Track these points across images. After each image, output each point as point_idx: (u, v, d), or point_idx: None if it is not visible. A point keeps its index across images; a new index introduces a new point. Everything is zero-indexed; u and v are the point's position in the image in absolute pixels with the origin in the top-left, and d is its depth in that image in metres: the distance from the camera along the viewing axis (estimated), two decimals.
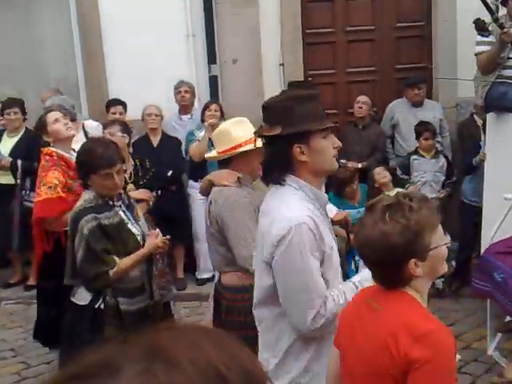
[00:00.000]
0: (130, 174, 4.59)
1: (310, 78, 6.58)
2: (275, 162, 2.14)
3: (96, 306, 3.01)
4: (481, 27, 4.87)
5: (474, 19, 5.04)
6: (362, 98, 6.09)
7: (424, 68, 6.61)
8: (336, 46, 6.70)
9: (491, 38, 4.92)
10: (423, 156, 5.67)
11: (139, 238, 3.14)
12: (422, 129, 5.65)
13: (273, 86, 6.46)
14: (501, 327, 4.28)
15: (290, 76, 6.47)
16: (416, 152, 5.69)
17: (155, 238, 3.13)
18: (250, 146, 2.72)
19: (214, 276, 6.01)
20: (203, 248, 5.90)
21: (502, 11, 5.08)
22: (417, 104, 6.11)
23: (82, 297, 3.07)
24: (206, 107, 5.71)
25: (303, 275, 2.04)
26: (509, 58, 4.93)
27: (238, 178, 2.83)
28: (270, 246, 2.07)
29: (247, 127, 2.84)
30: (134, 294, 3.09)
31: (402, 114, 6.12)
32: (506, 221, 4.06)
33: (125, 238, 3.06)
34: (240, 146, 2.79)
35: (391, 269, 1.75)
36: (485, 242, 4.35)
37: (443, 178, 5.69)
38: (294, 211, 2.06)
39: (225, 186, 2.81)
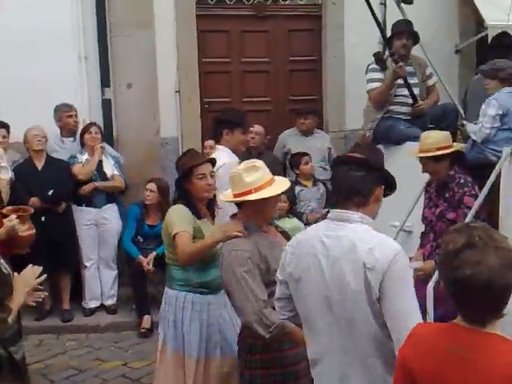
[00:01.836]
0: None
1: (206, 106, 6.61)
2: None
3: None
4: (380, 59, 5.19)
5: (374, 53, 5.38)
6: (256, 128, 6.15)
7: (316, 100, 6.86)
8: (231, 76, 6.82)
9: (381, 76, 5.22)
10: (305, 186, 5.83)
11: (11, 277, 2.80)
12: (298, 157, 5.81)
13: (168, 113, 6.44)
14: None
15: (186, 103, 6.48)
16: (297, 182, 5.82)
17: (33, 273, 2.79)
18: (256, 196, 2.76)
19: (102, 305, 5.85)
20: (90, 275, 5.74)
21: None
22: (306, 133, 6.30)
23: None
24: (85, 130, 5.69)
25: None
26: (396, 96, 5.26)
27: (244, 226, 2.84)
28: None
29: (259, 172, 2.81)
30: (16, 341, 2.82)
31: (292, 142, 6.28)
32: None
33: (5, 280, 2.73)
34: (250, 192, 2.77)
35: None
36: None
37: (324, 203, 5.91)
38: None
39: (235, 237, 2.83)
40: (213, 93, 6.69)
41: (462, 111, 5.44)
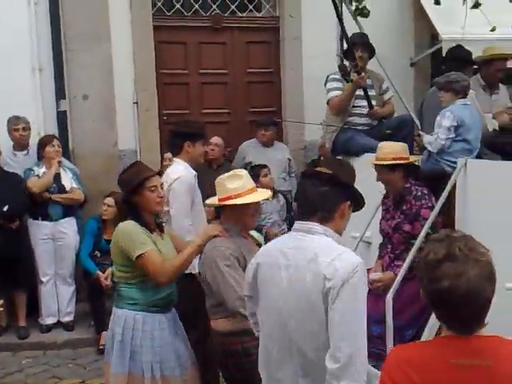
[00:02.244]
0: None
1: (164, 117, 6.55)
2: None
3: None
4: (344, 70, 5.26)
5: (339, 64, 5.48)
6: (215, 140, 6.12)
7: (274, 112, 6.89)
8: (190, 88, 6.78)
9: (341, 85, 5.28)
10: (266, 199, 5.79)
11: None
12: (258, 169, 5.75)
13: (126, 124, 6.35)
14: None
15: (144, 115, 6.41)
16: None
17: None
18: (235, 201, 3.00)
19: (59, 321, 5.70)
20: (46, 291, 5.60)
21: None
22: (266, 144, 6.31)
23: None
24: (46, 142, 5.54)
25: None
26: (354, 107, 5.31)
27: (225, 228, 3.08)
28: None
29: (241, 181, 3.05)
30: None
31: (252, 154, 6.27)
32: None
33: None
34: (230, 197, 3.02)
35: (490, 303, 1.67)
36: None
37: (285, 215, 5.90)
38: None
39: (215, 236, 3.07)
40: (171, 104, 6.65)
41: (417, 122, 5.53)
